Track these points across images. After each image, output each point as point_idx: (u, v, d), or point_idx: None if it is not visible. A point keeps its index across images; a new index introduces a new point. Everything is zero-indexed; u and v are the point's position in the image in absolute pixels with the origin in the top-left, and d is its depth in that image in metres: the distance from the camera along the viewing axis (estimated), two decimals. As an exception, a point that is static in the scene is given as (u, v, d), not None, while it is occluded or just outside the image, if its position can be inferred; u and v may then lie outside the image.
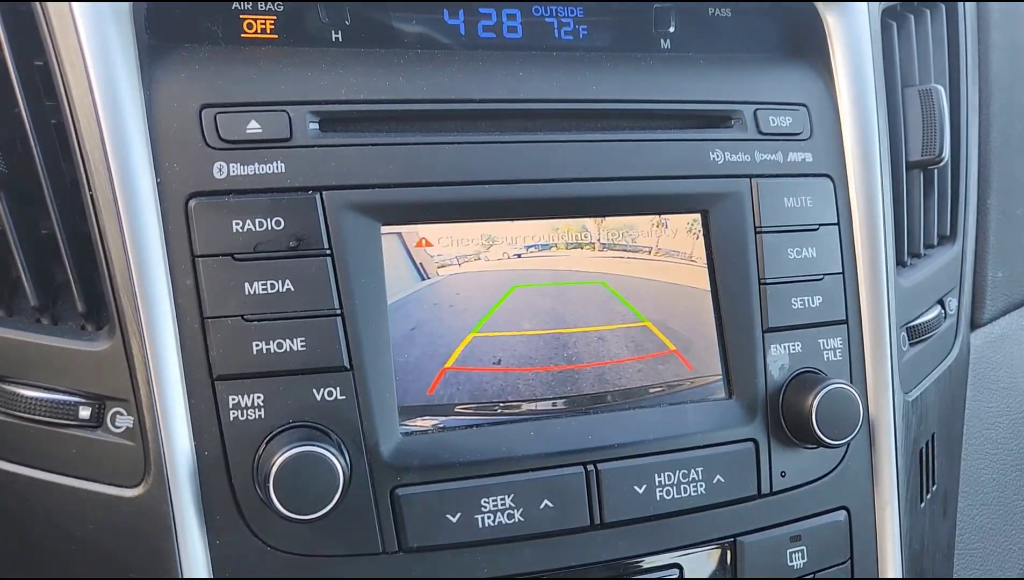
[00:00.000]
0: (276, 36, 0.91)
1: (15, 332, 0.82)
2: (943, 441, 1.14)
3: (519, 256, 0.91)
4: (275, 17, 0.91)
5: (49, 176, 0.82)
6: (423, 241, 0.89)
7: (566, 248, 0.93)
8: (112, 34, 0.81)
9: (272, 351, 0.81)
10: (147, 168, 0.81)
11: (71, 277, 0.82)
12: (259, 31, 0.91)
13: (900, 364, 1.04)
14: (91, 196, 0.80)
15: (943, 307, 1.15)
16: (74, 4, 0.79)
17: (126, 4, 0.82)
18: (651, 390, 0.93)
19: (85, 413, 0.80)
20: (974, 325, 1.22)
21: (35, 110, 0.82)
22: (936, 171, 1.16)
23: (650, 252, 0.95)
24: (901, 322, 1.06)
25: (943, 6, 1.21)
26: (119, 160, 0.80)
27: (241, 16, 0.90)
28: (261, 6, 0.91)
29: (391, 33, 0.95)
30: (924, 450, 1.10)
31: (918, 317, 1.10)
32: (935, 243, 1.16)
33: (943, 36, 1.21)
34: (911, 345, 1.08)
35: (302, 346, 0.82)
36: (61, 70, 0.80)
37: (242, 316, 0.81)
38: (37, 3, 0.80)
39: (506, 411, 0.89)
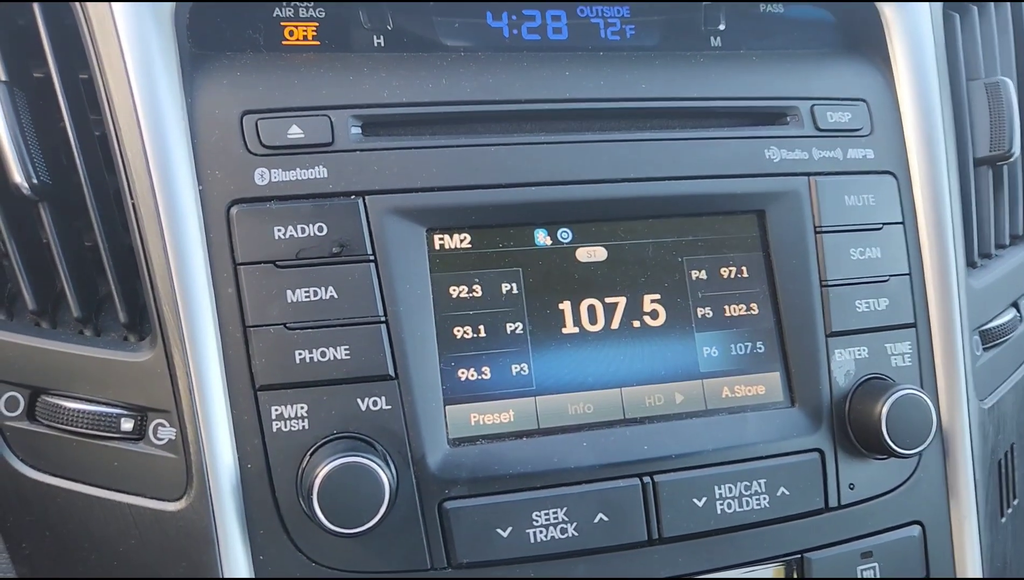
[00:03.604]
0: (318, 43, 0.90)
1: (59, 344, 0.81)
2: (1023, 452, 1.08)
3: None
4: (317, 24, 0.90)
5: (92, 187, 0.82)
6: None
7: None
8: (153, 42, 0.80)
9: (315, 360, 0.79)
10: (189, 176, 0.80)
11: (113, 288, 0.81)
12: (300, 38, 0.90)
13: (974, 369, 0.98)
14: (133, 205, 0.79)
15: (1018, 310, 1.09)
16: (116, 11, 0.79)
17: (167, 9, 0.81)
18: (709, 398, 0.89)
19: (128, 425, 0.79)
20: (1053, 328, 1.15)
21: (79, 121, 0.82)
22: (1006, 167, 1.10)
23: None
24: (973, 326, 1.00)
25: (1008, -4, 1.16)
26: (161, 168, 0.79)
27: (282, 23, 0.89)
28: (303, 12, 0.90)
29: (434, 37, 0.93)
30: (1003, 461, 1.03)
31: (991, 320, 1.04)
32: (1007, 243, 1.10)
33: (1008, 28, 1.16)
34: (985, 350, 1.02)
35: (346, 354, 0.80)
36: (103, 79, 0.80)
37: (285, 324, 0.79)
38: (78, 5, 0.80)
39: (558, 421, 0.85)
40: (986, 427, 0.99)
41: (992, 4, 1.14)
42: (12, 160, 0.79)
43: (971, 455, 0.96)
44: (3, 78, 0.81)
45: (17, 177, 0.79)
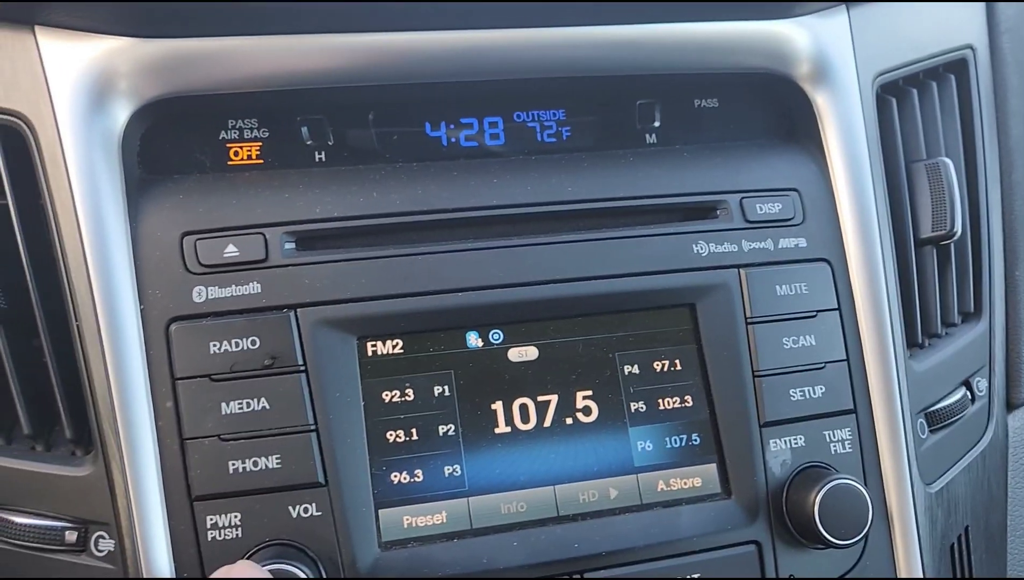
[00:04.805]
0: (261, 161, 0.95)
1: (11, 460, 0.85)
2: (980, 534, 1.06)
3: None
4: (260, 143, 0.96)
5: (43, 310, 0.86)
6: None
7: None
8: (101, 170, 0.85)
9: (248, 470, 0.82)
10: (131, 297, 0.84)
11: (60, 404, 0.85)
12: (245, 157, 0.95)
13: (919, 453, 0.97)
14: (77, 326, 0.84)
15: (970, 389, 1.08)
16: (65, 140, 0.84)
17: (115, 137, 0.87)
18: (643, 492, 0.90)
19: (71, 537, 0.82)
20: (1010, 406, 1.14)
21: (33, 247, 0.87)
22: (953, 246, 1.10)
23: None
24: (918, 408, 1.00)
25: (952, 77, 1.18)
26: (103, 291, 0.84)
27: (228, 144, 0.95)
28: (247, 133, 0.95)
29: (374, 149, 0.98)
30: (956, 545, 1.01)
31: (938, 402, 1.03)
32: (957, 321, 1.10)
33: (954, 107, 1.17)
34: (931, 432, 1.02)
35: (277, 463, 0.83)
36: (52, 206, 0.85)
37: (219, 436, 0.82)
38: (29, 133, 0.85)
39: (491, 520, 0.87)
40: (934, 511, 0.98)
41: (934, 84, 1.16)
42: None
43: (918, 541, 0.95)
44: None
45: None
